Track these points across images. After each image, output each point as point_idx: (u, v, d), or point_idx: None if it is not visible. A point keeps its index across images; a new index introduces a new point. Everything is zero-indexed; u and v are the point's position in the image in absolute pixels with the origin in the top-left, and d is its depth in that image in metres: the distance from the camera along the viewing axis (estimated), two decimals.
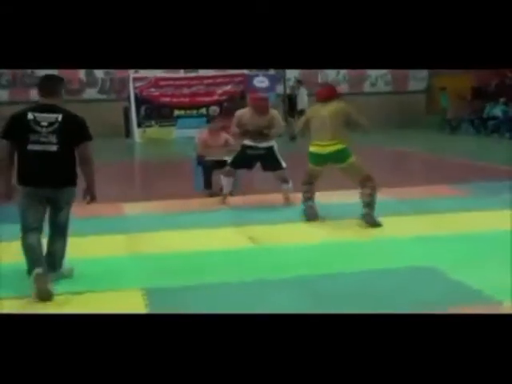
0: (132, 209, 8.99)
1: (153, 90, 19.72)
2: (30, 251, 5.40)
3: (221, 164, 9.99)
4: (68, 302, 5.25)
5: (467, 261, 6.24)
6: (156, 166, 14.94)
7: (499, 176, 11.37)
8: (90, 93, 21.92)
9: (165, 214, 8.62)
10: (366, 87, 24.01)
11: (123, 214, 8.68)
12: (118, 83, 21.64)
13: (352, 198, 8.36)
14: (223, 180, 9.31)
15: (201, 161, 10.12)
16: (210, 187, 10.04)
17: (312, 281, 5.78)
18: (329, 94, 8.20)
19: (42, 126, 5.34)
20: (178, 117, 19.72)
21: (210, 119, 10.92)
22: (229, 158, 9.94)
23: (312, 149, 7.91)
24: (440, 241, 6.95)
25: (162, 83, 19.54)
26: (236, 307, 5.04)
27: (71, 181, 5.59)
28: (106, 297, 5.43)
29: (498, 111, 19.93)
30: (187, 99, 19.82)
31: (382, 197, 9.39)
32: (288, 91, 21.28)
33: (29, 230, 5.45)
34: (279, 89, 21.58)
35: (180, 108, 19.79)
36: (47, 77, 5.71)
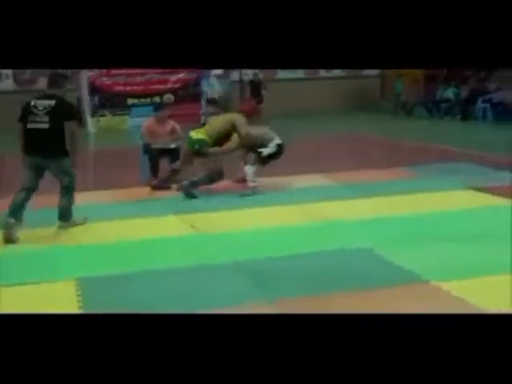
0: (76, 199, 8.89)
1: (105, 78, 19.50)
2: (13, 203, 6.97)
3: (167, 152, 9.94)
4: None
5: (403, 242, 6.32)
6: (108, 155, 14.81)
7: (451, 158, 11.50)
8: (43, 83, 21.58)
9: (108, 204, 8.59)
10: (321, 72, 24.07)
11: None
12: (71, 73, 21.36)
13: (296, 184, 8.41)
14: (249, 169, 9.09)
15: (147, 149, 10.05)
16: (156, 175, 9.97)
17: (253, 265, 5.81)
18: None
19: (39, 110, 6.91)
20: (132, 105, 19.54)
21: (156, 107, 10.80)
22: (176, 146, 9.91)
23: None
24: (380, 223, 7.02)
25: (115, 72, 19.32)
26: (172, 294, 5.05)
27: (58, 151, 6.95)
28: (38, 288, 5.39)
29: (450, 94, 20.11)
30: (141, 87, 19.65)
31: (331, 182, 9.49)
32: (251, 77, 21.12)
33: (21, 188, 7.03)
34: (234, 75, 21.52)
35: (133, 96, 19.61)
36: (53, 73, 7.28)
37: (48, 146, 6.95)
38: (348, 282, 5.29)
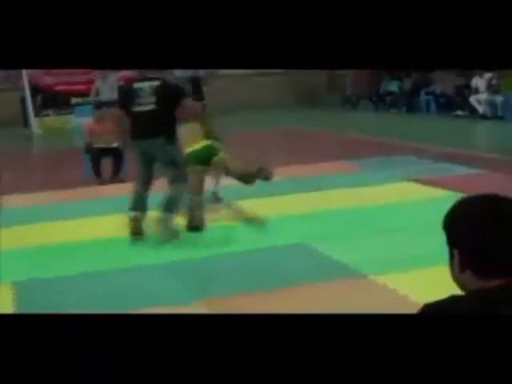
0: (13, 201, 8.76)
1: (47, 78, 19.24)
2: (133, 196, 6.70)
3: (109, 151, 9.85)
4: None
5: (341, 236, 6.36)
6: (52, 155, 14.63)
7: (393, 150, 11.60)
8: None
9: (46, 205, 8.47)
10: None
11: (2, 207, 8.44)
12: (14, 72, 21.02)
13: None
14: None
15: (89, 149, 9.95)
16: (99, 175, 9.89)
17: (191, 264, 5.79)
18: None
19: (145, 91, 6.51)
20: (76, 104, 19.30)
21: (96, 106, 10.70)
22: (117, 145, 9.82)
23: None
24: (318, 217, 7.05)
25: (56, 71, 19.04)
26: (104, 295, 5.01)
27: (167, 134, 6.53)
28: None
29: (394, 87, 20.32)
30: (84, 86, 19.39)
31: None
32: (190, 74, 21.02)
33: (138, 180, 6.80)
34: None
35: (77, 95, 19.36)
36: None
37: (157, 128, 6.51)
38: (284, 277, 5.30)
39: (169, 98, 6.55)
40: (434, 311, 1.77)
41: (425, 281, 4.84)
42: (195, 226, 6.81)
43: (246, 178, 7.18)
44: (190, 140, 7.24)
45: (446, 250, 1.84)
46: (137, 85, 6.59)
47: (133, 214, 6.66)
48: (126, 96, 6.72)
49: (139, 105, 6.54)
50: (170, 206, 6.62)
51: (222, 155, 7.23)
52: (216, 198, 7.91)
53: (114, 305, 4.84)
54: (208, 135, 7.57)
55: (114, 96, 16.62)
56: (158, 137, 6.49)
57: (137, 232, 6.61)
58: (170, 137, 6.59)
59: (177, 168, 6.63)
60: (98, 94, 16.00)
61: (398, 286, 4.90)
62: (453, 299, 1.77)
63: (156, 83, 6.51)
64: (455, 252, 1.82)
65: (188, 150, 7.08)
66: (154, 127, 6.48)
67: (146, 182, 6.75)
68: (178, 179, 6.62)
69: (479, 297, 1.75)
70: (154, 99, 6.49)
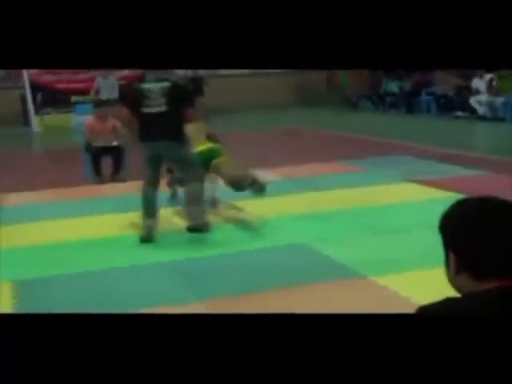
0: (13, 199, 8.78)
1: (47, 75, 19.26)
2: (145, 202, 6.59)
3: (109, 150, 9.86)
4: None
5: (341, 237, 6.36)
6: (52, 153, 14.64)
7: (393, 151, 11.61)
8: None
9: (46, 204, 8.47)
10: None
11: (1, 205, 8.47)
12: (15, 70, 21.01)
13: None
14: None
15: (88, 147, 9.96)
16: (99, 174, 9.90)
17: (192, 263, 5.80)
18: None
19: (154, 93, 6.39)
20: (76, 103, 19.29)
21: (96, 104, 10.70)
22: (117, 144, 9.83)
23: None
24: (318, 218, 7.06)
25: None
26: (107, 295, 5.02)
27: (177, 136, 6.47)
28: None
29: (394, 87, 20.32)
30: (84, 84, 19.40)
31: (271, 176, 9.49)
32: (190, 73, 21.02)
33: (146, 184, 6.64)
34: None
35: (77, 94, 19.36)
36: None
37: (169, 130, 6.41)
38: (283, 278, 5.30)
39: (179, 99, 6.46)
40: (429, 314, 1.77)
41: (424, 282, 4.84)
42: (195, 227, 6.63)
43: (237, 186, 7.09)
44: (194, 141, 7.19)
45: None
46: (145, 85, 6.46)
47: (147, 221, 6.58)
48: (133, 96, 6.59)
49: (148, 106, 6.44)
50: (195, 200, 6.55)
51: (222, 159, 7.22)
52: (213, 202, 7.78)
53: (114, 304, 4.85)
54: (209, 137, 7.56)
55: (115, 94, 16.62)
56: (171, 139, 6.44)
57: (149, 239, 6.53)
58: (182, 138, 6.56)
59: (191, 168, 6.60)
60: (98, 92, 16.01)
61: (398, 288, 4.91)
62: (448, 301, 1.78)
63: (166, 84, 6.40)
64: (451, 254, 1.83)
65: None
66: (166, 129, 6.40)
67: (154, 183, 6.69)
68: (194, 179, 6.58)
69: (475, 299, 1.75)
70: (164, 100, 6.39)
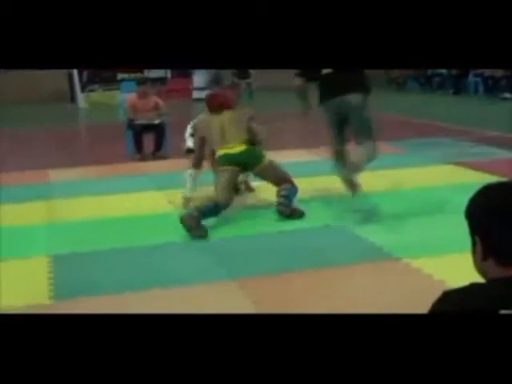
0: (58, 175, 8.90)
1: None
2: (335, 156, 6.74)
3: (150, 128, 9.91)
4: None
5: (379, 218, 6.30)
6: (97, 130, 14.78)
7: (435, 132, 11.47)
8: None
9: (89, 180, 8.58)
10: None
11: (48, 181, 8.58)
12: None
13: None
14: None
15: (131, 125, 10.02)
16: (140, 151, 9.97)
17: (220, 243, 5.80)
18: (222, 102, 6.87)
19: None
20: (122, 80, 19.39)
21: (138, 82, 10.74)
22: (159, 122, 9.88)
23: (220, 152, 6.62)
24: (357, 199, 6.97)
25: None
26: (137, 271, 5.08)
27: (357, 86, 6.40)
28: (7, 265, 5.37)
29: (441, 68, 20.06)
30: None
31: (316, 157, 9.45)
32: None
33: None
34: None
35: (124, 71, 19.45)
36: None
37: (352, 84, 6.35)
38: (318, 259, 5.27)
39: None
40: (453, 299, 1.75)
41: (460, 266, 4.76)
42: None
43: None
44: (232, 136, 6.58)
45: None
46: None
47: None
48: None
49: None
50: (368, 160, 6.44)
51: (265, 161, 6.62)
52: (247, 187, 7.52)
53: (147, 280, 4.89)
54: (250, 132, 6.74)
55: (163, 73, 16.62)
56: (356, 90, 6.39)
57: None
58: (366, 88, 6.50)
59: (368, 128, 6.46)
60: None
61: (433, 271, 4.85)
62: (473, 287, 1.75)
63: None
64: (477, 240, 1.80)
65: (231, 151, 6.49)
66: (349, 84, 6.34)
67: (341, 142, 6.69)
68: (367, 138, 6.36)
69: (500, 285, 1.72)
70: None
